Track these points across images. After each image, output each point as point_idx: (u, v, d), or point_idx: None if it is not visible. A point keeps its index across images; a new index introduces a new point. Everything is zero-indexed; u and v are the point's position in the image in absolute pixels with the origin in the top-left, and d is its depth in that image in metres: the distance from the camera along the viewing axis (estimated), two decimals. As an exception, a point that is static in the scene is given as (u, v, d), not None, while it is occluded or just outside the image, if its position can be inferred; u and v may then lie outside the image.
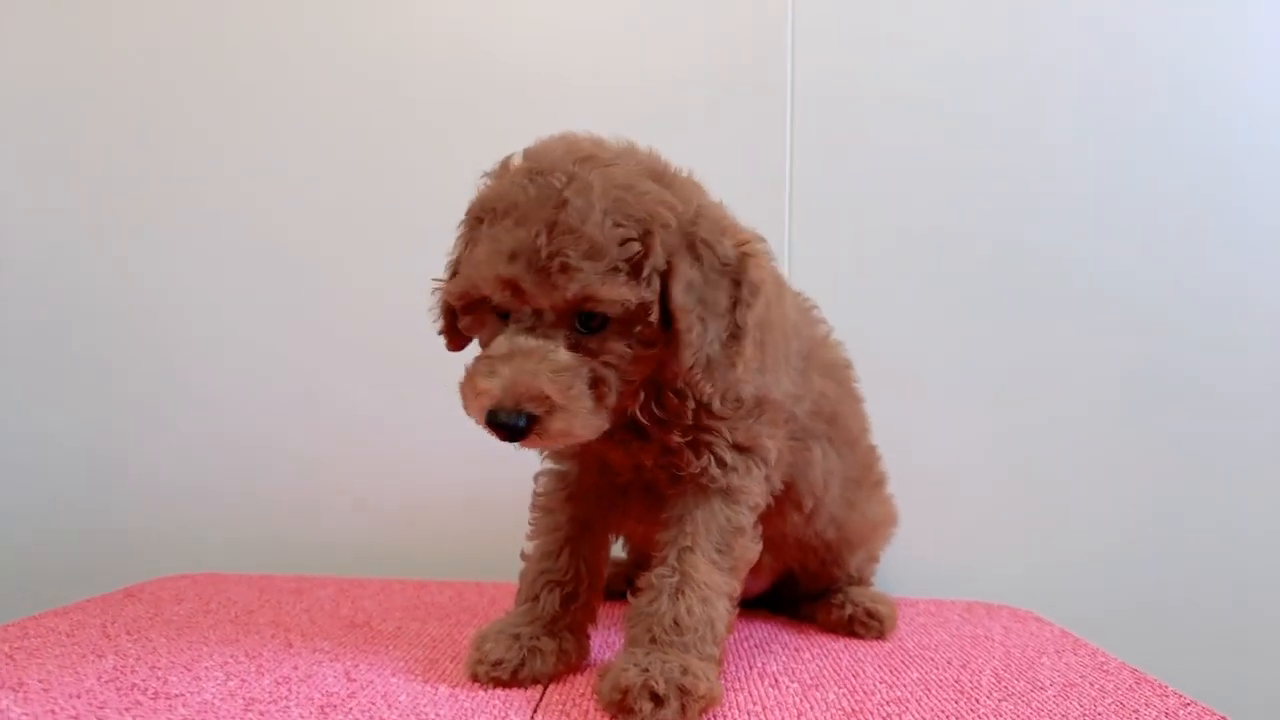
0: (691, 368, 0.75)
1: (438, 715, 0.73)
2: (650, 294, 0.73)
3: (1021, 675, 0.89)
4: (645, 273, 0.72)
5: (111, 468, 1.46)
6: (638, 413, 0.81)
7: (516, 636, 0.83)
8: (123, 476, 1.46)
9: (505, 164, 0.80)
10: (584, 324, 0.74)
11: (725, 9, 1.39)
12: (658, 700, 0.72)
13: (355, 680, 0.82)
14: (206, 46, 1.45)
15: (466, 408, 0.75)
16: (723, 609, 0.81)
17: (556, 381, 0.71)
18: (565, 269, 0.70)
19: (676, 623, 0.78)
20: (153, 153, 1.46)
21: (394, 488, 1.43)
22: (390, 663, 0.88)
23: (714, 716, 0.76)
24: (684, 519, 0.84)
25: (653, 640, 0.78)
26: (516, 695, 0.79)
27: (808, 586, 1.11)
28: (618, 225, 0.72)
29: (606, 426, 0.77)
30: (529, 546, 0.91)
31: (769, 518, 0.92)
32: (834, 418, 1.01)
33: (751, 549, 0.86)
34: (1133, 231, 1.37)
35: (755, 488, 0.86)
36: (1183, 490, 1.37)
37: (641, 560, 1.11)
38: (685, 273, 0.74)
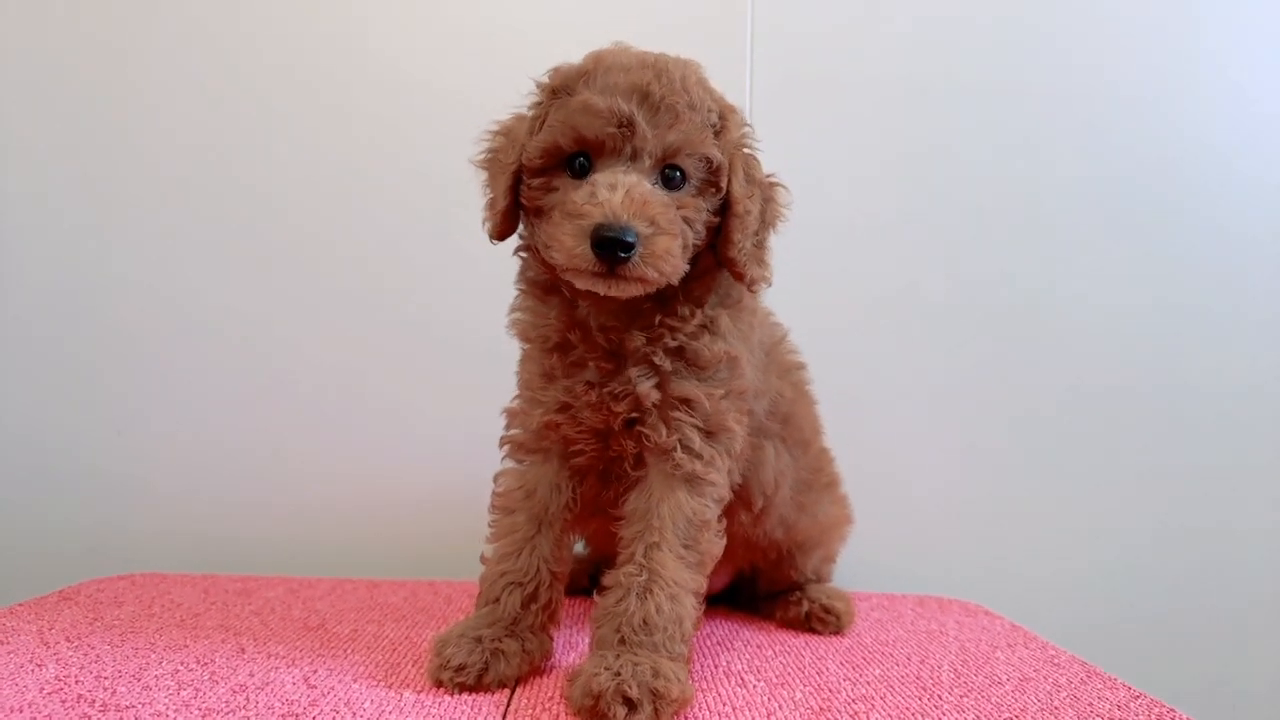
0: (740, 250, 0.83)
1: (405, 723, 0.72)
2: (725, 160, 0.82)
3: (979, 670, 0.91)
4: (723, 141, 0.82)
5: (37, 461, 1.39)
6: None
7: (479, 640, 0.82)
8: (50, 470, 1.39)
9: (559, 66, 0.84)
10: (665, 182, 0.80)
11: None
12: (631, 705, 0.71)
13: (315, 687, 0.79)
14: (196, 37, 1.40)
15: (559, 239, 0.77)
16: (690, 606, 0.81)
17: (663, 207, 0.77)
18: (674, 111, 0.78)
19: (646, 622, 0.78)
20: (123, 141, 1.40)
21: (343, 486, 1.39)
22: (350, 667, 0.86)
23: (685, 718, 0.76)
24: (649, 513, 0.83)
25: (621, 641, 0.78)
26: (483, 701, 0.78)
27: (764, 586, 1.12)
28: (706, 95, 0.82)
29: (687, 269, 0.82)
30: (488, 549, 0.90)
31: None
32: (788, 418, 1.02)
33: (717, 543, 0.86)
34: (1098, 227, 1.42)
35: (720, 479, 0.86)
36: (1135, 486, 1.42)
37: (601, 557, 1.11)
38: (741, 171, 0.84)
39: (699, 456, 0.84)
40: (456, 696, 0.78)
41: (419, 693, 0.79)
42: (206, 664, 0.85)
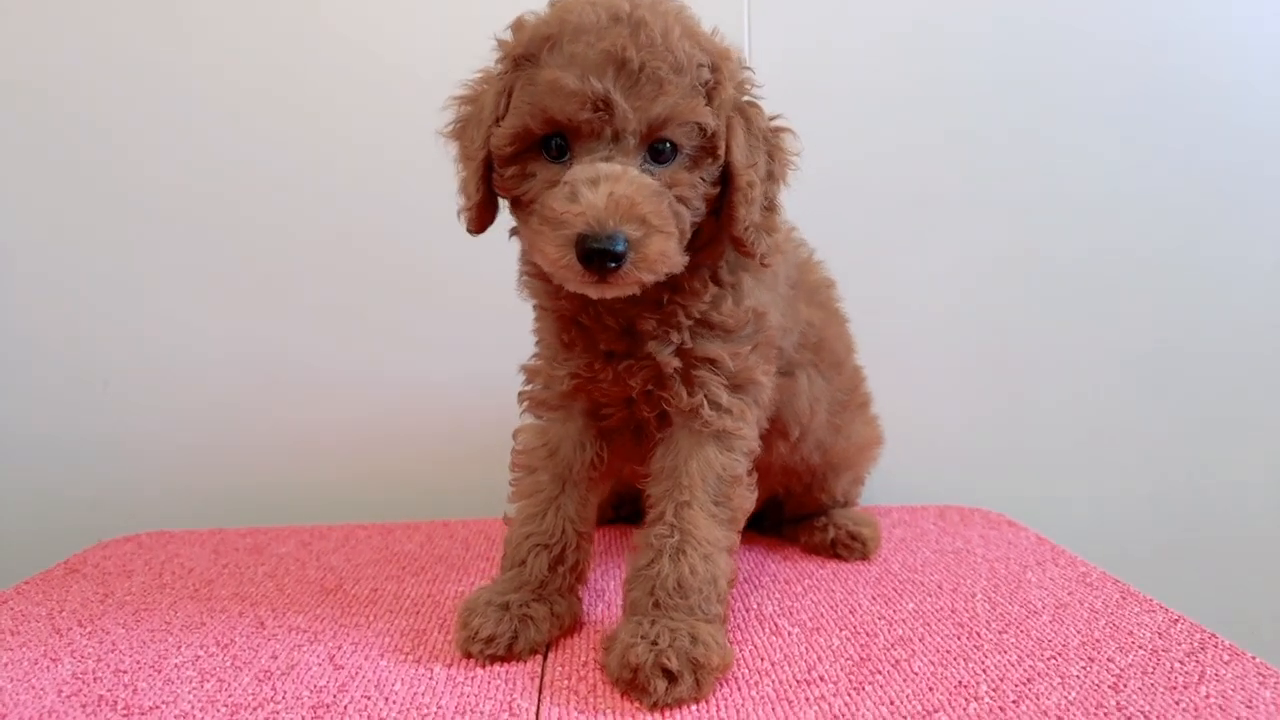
0: (747, 227, 0.74)
1: (439, 708, 0.70)
2: (721, 125, 0.71)
3: (1013, 598, 0.90)
4: (716, 103, 0.71)
5: (25, 419, 1.34)
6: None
7: (505, 606, 0.79)
8: (41, 428, 1.34)
9: (521, 18, 0.75)
10: (654, 157, 0.71)
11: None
12: (671, 677, 0.69)
13: (342, 667, 0.77)
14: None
15: (540, 246, 0.69)
16: (724, 565, 0.78)
17: (652, 202, 0.67)
18: (657, 79, 0.67)
19: (680, 585, 0.75)
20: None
21: (339, 426, 1.35)
22: (375, 639, 0.83)
23: (725, 678, 0.74)
24: (677, 470, 0.80)
25: (656, 605, 0.75)
26: (517, 672, 0.76)
27: (792, 511, 1.10)
28: (695, 49, 0.70)
29: (687, 260, 0.74)
30: (511, 508, 0.86)
31: None
32: (819, 344, 0.97)
33: (749, 498, 0.82)
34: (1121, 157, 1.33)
35: (750, 432, 0.82)
36: (1151, 393, 1.39)
37: (625, 488, 1.09)
38: (740, 132, 0.74)
39: (728, 411, 0.79)
40: (488, 669, 0.76)
41: (449, 667, 0.77)
42: (226, 646, 0.82)
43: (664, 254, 0.68)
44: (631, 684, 0.70)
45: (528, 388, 0.88)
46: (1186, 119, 1.35)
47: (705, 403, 0.79)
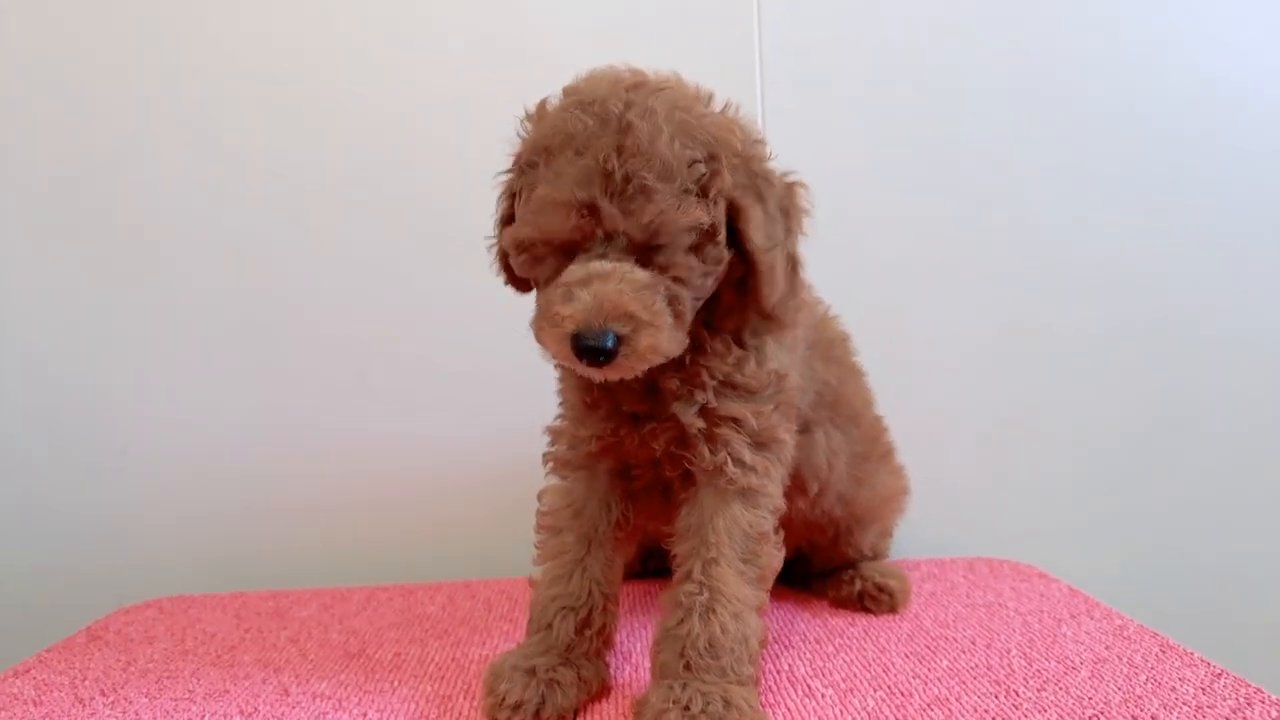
0: (772, 301, 0.75)
1: (469, 778, 0.68)
2: (719, 216, 0.71)
3: (1049, 653, 0.88)
4: (712, 194, 0.70)
5: (53, 494, 1.35)
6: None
7: (532, 671, 0.78)
8: (66, 502, 1.34)
9: (543, 105, 0.76)
10: (651, 251, 0.71)
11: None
12: None
13: (369, 737, 0.76)
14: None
15: (542, 340, 0.73)
16: (755, 624, 0.77)
17: (640, 299, 0.69)
18: (644, 190, 0.67)
19: (711, 645, 0.74)
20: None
21: (359, 488, 1.35)
22: (400, 705, 0.82)
23: (759, 744, 0.72)
24: (704, 528, 0.79)
25: (687, 667, 0.73)
26: (546, 739, 0.74)
27: (820, 565, 1.08)
28: (685, 147, 0.69)
29: (687, 343, 0.75)
30: (536, 571, 0.85)
31: None
32: (836, 401, 0.97)
33: (776, 556, 0.81)
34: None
35: (774, 489, 0.81)
36: (1175, 444, 1.37)
37: (652, 543, 1.07)
38: (755, 211, 0.73)
39: (752, 469, 0.79)
40: (517, 736, 0.75)
41: (477, 734, 0.76)
42: (251, 715, 0.81)
43: (653, 347, 0.70)
44: None
45: (552, 449, 0.88)
46: (1207, 195, 1.36)
47: (729, 460, 0.78)
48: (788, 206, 0.78)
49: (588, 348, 0.68)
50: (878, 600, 1.03)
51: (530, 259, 0.75)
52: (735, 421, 0.79)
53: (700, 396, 0.78)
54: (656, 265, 0.71)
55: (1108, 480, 1.37)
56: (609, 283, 0.68)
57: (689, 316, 0.73)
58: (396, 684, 0.88)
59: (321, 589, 1.24)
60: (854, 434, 1.01)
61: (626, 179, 0.67)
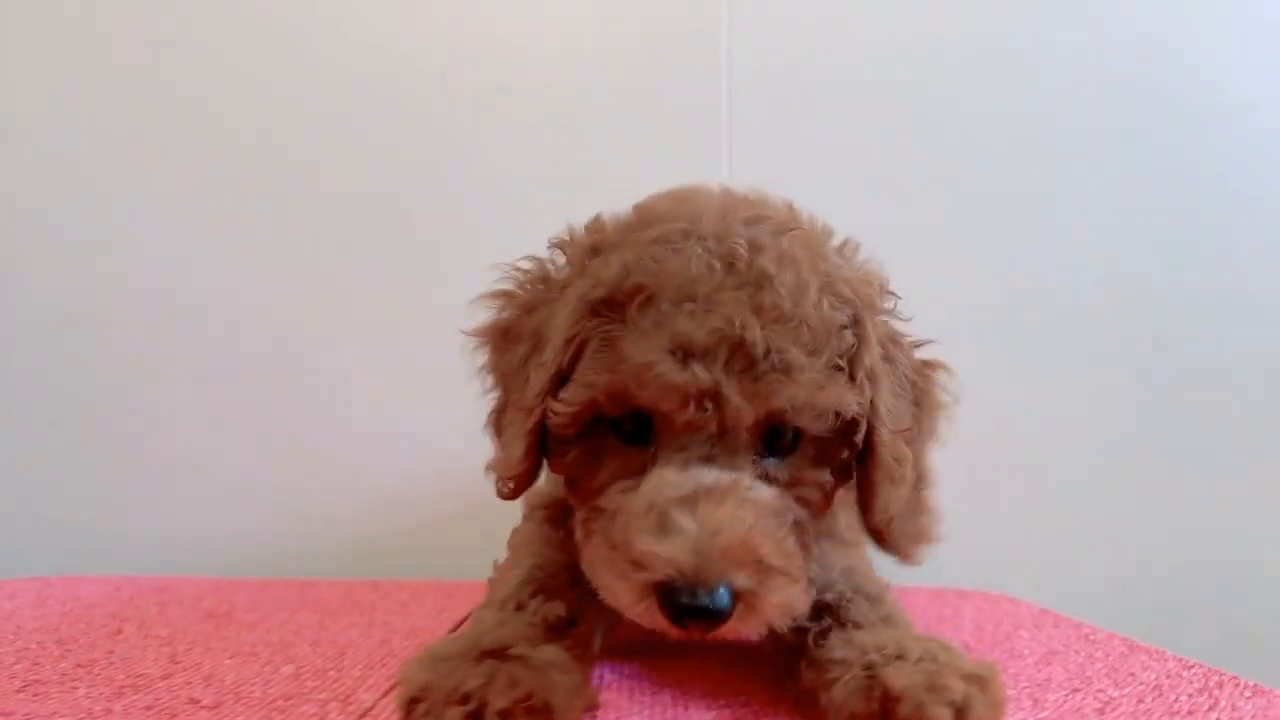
0: (887, 513, 0.55)
1: None
2: (866, 403, 0.53)
3: (997, 646, 0.77)
4: (861, 373, 0.52)
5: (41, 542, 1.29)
6: None
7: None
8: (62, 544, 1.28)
9: (612, 225, 0.57)
10: (770, 445, 0.53)
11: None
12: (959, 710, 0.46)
13: None
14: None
15: (608, 580, 0.51)
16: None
17: (771, 534, 0.49)
18: (786, 367, 0.49)
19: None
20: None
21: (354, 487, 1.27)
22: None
23: None
24: None
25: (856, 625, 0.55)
26: None
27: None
28: (834, 308, 0.52)
29: (812, 601, 0.54)
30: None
31: None
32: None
33: None
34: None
35: None
36: (1164, 469, 1.27)
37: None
38: (885, 384, 0.55)
39: None
40: None
41: None
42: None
43: (785, 606, 0.50)
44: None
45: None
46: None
47: None
48: (920, 395, 0.59)
49: (690, 608, 0.47)
50: None
51: (581, 451, 0.55)
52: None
53: None
54: (777, 481, 0.53)
55: (1088, 510, 1.25)
56: (727, 506, 0.48)
57: (813, 551, 0.54)
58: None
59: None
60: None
61: (766, 352, 0.49)
